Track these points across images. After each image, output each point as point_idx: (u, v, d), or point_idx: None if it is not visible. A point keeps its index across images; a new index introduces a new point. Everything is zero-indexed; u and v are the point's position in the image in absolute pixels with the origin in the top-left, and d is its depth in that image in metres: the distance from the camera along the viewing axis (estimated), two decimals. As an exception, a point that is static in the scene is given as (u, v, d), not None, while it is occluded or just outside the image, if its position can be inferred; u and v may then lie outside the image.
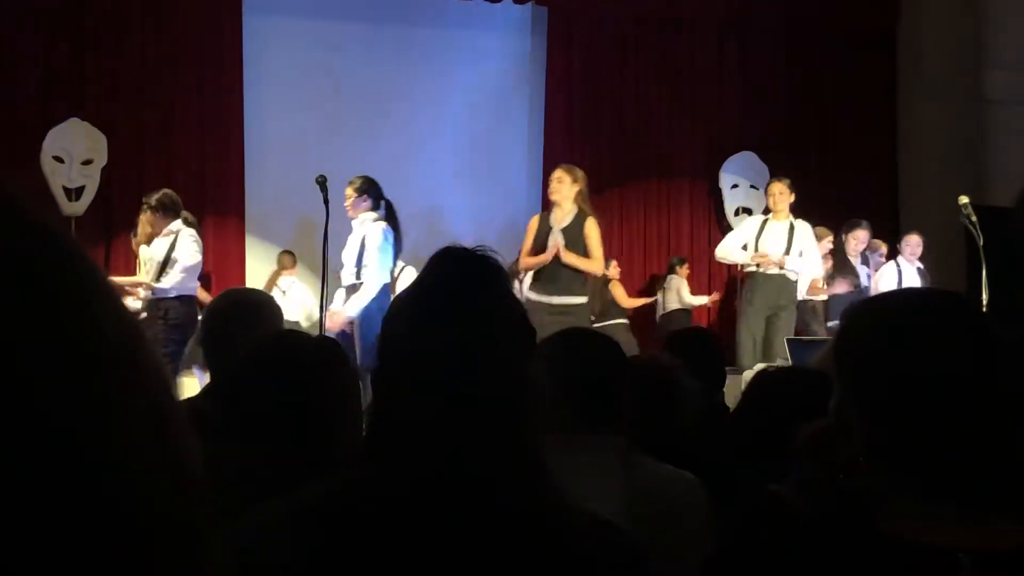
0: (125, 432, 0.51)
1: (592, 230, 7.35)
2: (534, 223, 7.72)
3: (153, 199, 7.93)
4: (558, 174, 7.62)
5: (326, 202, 6.59)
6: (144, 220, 8.12)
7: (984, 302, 7.01)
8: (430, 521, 1.32)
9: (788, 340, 6.15)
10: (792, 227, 8.67)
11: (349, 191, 7.48)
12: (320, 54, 11.58)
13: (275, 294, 9.75)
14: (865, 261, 10.27)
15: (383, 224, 7.33)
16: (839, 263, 9.75)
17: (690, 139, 12.41)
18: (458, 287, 1.41)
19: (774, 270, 8.47)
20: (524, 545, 1.35)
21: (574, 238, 7.33)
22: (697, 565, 2.31)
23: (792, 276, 8.54)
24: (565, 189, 7.48)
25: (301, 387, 1.96)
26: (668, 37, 12.33)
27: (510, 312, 1.43)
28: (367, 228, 7.30)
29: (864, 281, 9.80)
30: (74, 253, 0.54)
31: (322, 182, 6.62)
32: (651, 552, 2.22)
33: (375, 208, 7.41)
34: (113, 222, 10.66)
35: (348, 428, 1.91)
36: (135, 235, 8.71)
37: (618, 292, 11.09)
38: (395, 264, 7.41)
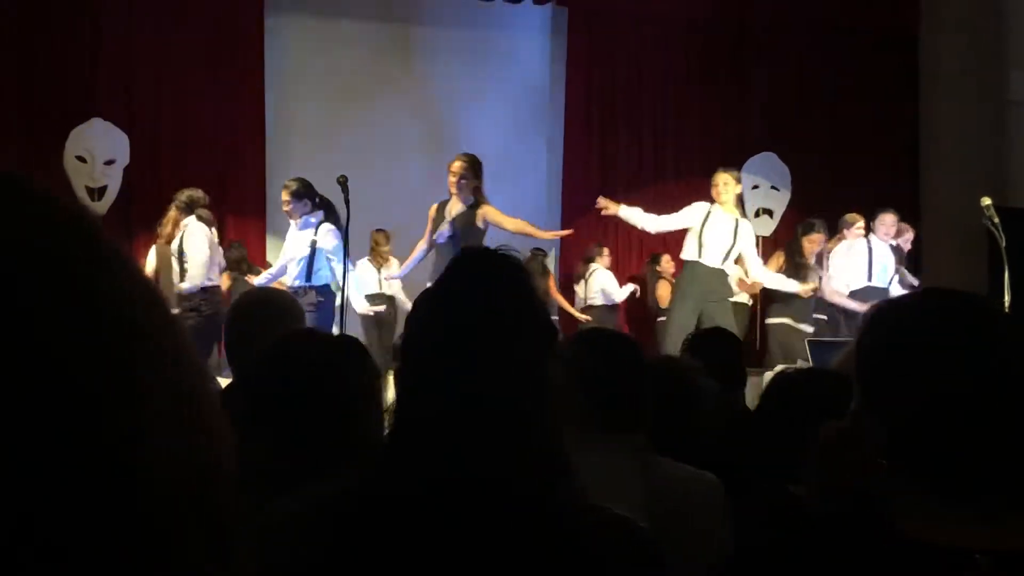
0: (151, 427, 0.51)
1: (493, 213, 7.55)
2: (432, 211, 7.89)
3: (175, 198, 8.13)
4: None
5: (347, 202, 6.63)
6: (169, 219, 8.28)
7: (1006, 304, 6.98)
8: (448, 519, 1.33)
9: (809, 341, 6.13)
10: (737, 224, 8.42)
11: (285, 195, 7.74)
12: (341, 54, 11.62)
13: None
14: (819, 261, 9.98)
15: (330, 226, 7.59)
16: (797, 264, 9.43)
17: (710, 140, 12.37)
18: (479, 286, 1.42)
19: (714, 263, 8.23)
20: (541, 544, 1.36)
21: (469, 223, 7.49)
22: (715, 565, 2.32)
23: (729, 271, 8.36)
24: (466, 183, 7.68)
25: (320, 383, 1.97)
26: (688, 38, 12.31)
27: (532, 311, 1.44)
28: (320, 233, 7.59)
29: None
30: (108, 245, 0.54)
31: (343, 182, 6.67)
32: (669, 551, 2.24)
33: (315, 209, 7.64)
34: (135, 221, 10.71)
35: (367, 425, 1.92)
36: (157, 234, 8.81)
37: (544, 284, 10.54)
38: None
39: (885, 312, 1.53)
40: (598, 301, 10.94)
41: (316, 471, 1.64)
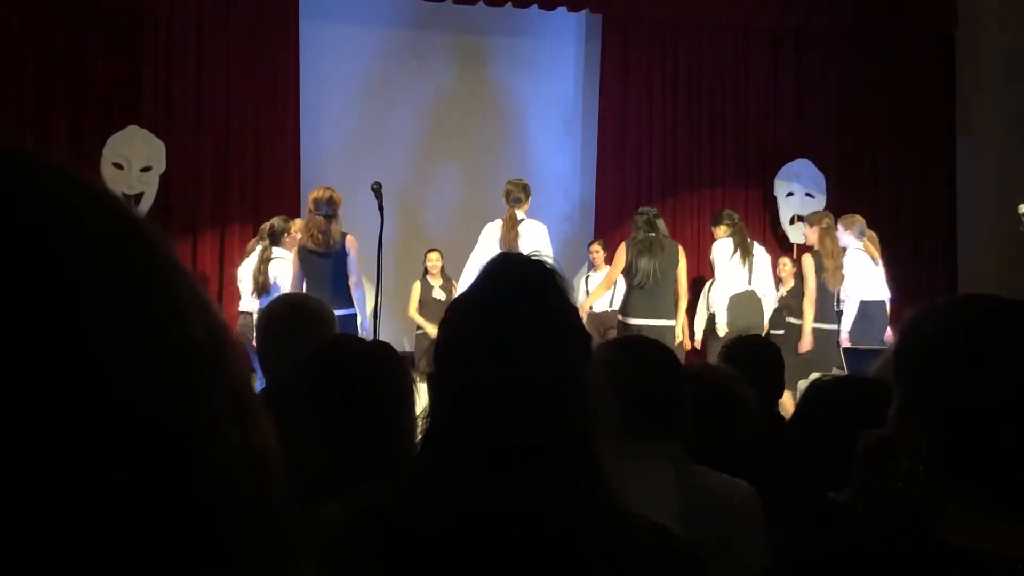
0: (216, 422, 0.51)
1: None
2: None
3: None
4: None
5: (380, 209, 6.64)
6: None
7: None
8: (486, 528, 1.32)
9: (844, 349, 6.07)
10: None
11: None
12: (375, 62, 11.67)
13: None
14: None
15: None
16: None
17: (744, 147, 12.34)
18: (514, 293, 1.42)
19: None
20: (581, 553, 1.35)
21: None
22: (752, 574, 2.30)
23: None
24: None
25: (357, 390, 1.97)
26: (723, 44, 12.27)
27: (566, 318, 1.44)
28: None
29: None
30: (164, 251, 0.54)
31: (377, 189, 6.68)
32: (706, 560, 2.22)
33: None
34: (172, 229, 10.79)
35: (403, 432, 1.92)
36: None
37: None
38: None
39: (926, 317, 1.51)
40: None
41: (349, 479, 1.63)
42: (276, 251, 8.37)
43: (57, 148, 10.38)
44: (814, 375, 7.05)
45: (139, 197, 10.39)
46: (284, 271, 8.14)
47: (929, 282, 12.25)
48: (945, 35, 12.51)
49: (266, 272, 8.32)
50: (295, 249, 7.82)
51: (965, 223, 12.09)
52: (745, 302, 8.83)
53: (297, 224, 8.49)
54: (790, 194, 12.09)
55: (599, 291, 9.25)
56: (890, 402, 1.55)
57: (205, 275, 10.88)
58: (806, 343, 8.39)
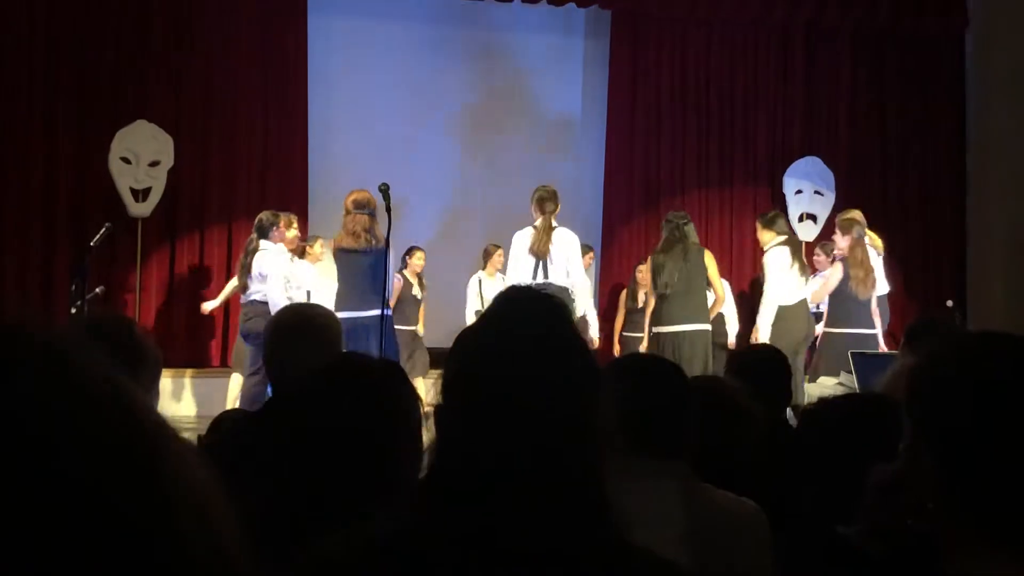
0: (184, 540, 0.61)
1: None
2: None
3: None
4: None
5: (388, 210, 6.62)
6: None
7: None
8: (491, 566, 1.31)
9: (852, 353, 6.04)
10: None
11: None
12: (383, 57, 11.66)
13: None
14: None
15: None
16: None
17: (753, 144, 12.31)
18: (522, 327, 1.41)
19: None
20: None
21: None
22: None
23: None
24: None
25: (368, 410, 1.96)
26: (732, 41, 12.25)
27: (574, 351, 1.42)
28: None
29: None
30: (130, 400, 0.64)
31: (385, 190, 6.64)
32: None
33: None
34: (179, 223, 10.80)
35: (411, 456, 1.91)
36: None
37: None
38: None
39: (939, 354, 1.50)
40: None
41: (350, 510, 1.63)
42: (263, 243, 8.37)
43: (65, 143, 10.39)
44: (825, 379, 7.03)
45: (147, 192, 10.39)
46: (269, 264, 8.22)
47: (937, 280, 12.24)
48: (956, 34, 12.46)
49: (250, 264, 8.36)
50: (331, 248, 7.89)
51: (974, 220, 12.05)
52: (795, 313, 8.66)
53: (285, 220, 8.60)
54: (799, 191, 12.07)
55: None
56: (895, 421, 1.54)
57: (212, 269, 10.89)
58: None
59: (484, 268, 10.66)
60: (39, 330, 0.62)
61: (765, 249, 8.99)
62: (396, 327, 9.01)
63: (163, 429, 0.64)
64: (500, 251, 10.31)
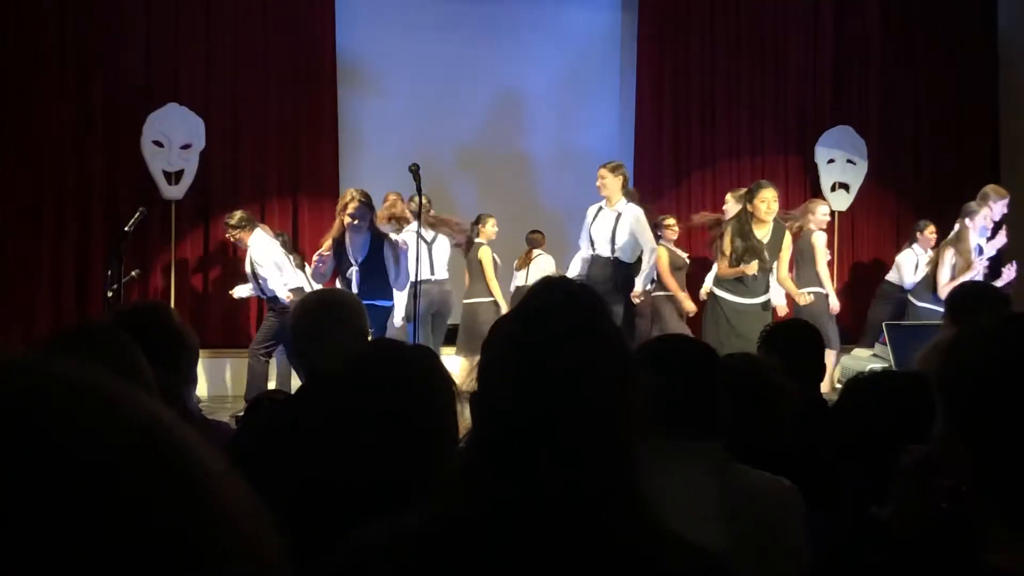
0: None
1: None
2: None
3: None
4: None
5: (419, 191, 6.63)
6: None
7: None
8: (531, 549, 1.33)
9: (887, 325, 6.01)
10: (618, 216, 8.26)
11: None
12: (409, 34, 11.63)
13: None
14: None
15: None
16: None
17: (783, 114, 12.22)
18: (557, 317, 1.42)
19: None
20: (621, 573, 1.36)
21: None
22: (793, 572, 2.30)
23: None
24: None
25: (407, 397, 1.98)
26: (760, 8, 12.14)
27: (609, 341, 1.44)
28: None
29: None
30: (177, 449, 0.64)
31: (415, 170, 6.64)
32: (746, 559, 2.22)
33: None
34: (211, 205, 10.87)
35: (449, 442, 1.93)
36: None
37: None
38: None
39: (974, 337, 1.49)
40: None
41: (401, 488, 1.65)
42: (249, 242, 8.96)
43: (97, 128, 10.46)
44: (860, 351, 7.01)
45: (179, 174, 10.46)
46: (258, 256, 8.80)
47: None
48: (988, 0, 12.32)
49: (253, 272, 8.92)
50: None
51: (1009, 190, 11.90)
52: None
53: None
54: (831, 161, 11.98)
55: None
56: (930, 397, 1.54)
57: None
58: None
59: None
60: (69, 371, 0.62)
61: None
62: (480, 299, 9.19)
63: (205, 451, 0.65)
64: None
